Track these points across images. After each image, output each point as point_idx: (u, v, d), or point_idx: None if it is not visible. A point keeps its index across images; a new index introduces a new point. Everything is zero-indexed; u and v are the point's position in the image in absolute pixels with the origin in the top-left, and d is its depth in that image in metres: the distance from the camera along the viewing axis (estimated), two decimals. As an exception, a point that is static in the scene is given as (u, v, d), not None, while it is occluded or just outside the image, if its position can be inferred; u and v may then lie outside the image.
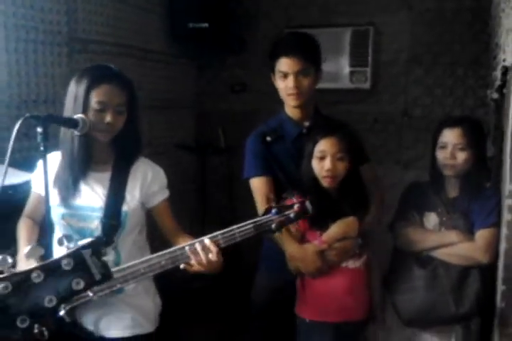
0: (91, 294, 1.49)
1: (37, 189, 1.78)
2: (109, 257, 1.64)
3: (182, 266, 1.54)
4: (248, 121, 3.71)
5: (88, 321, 1.67)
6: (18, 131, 1.45)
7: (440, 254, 2.02)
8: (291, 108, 2.10)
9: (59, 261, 0.95)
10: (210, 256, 1.52)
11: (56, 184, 1.67)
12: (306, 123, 2.09)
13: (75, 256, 0.96)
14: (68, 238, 1.02)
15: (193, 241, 1.54)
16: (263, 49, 3.67)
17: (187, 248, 1.52)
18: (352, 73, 3.62)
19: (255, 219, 1.58)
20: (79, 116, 1.59)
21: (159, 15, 3.50)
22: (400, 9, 3.51)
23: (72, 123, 1.56)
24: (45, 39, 2.62)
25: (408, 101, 3.61)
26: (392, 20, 3.52)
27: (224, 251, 1.57)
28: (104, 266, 0.96)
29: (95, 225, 1.65)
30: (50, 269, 0.93)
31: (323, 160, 1.90)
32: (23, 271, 0.91)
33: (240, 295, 3.47)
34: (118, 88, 1.66)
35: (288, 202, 1.70)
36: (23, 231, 1.78)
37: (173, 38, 3.57)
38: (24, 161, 2.09)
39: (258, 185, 2.05)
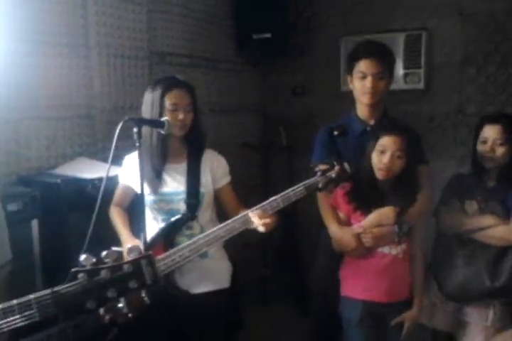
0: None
1: (124, 181, 2.17)
2: (196, 229, 2.06)
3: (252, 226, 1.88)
4: (307, 122, 4.02)
5: (182, 282, 2.07)
6: (119, 131, 1.83)
7: (479, 236, 2.22)
8: (362, 107, 2.34)
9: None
10: (268, 220, 1.84)
11: (144, 177, 2.06)
12: (372, 122, 2.35)
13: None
14: None
15: (257, 207, 1.88)
16: (321, 55, 4.01)
17: (251, 213, 1.86)
18: (406, 75, 3.83)
19: (305, 182, 1.93)
20: (165, 118, 1.97)
21: (226, 29, 3.86)
22: (451, 14, 3.69)
23: (159, 124, 1.94)
24: (130, 54, 3.04)
25: (462, 99, 3.78)
26: (443, 25, 3.70)
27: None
28: (155, 274, 1.16)
29: (180, 206, 2.04)
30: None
31: (383, 154, 2.10)
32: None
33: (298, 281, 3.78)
34: (185, 92, 2.06)
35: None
36: (118, 218, 2.19)
37: (239, 48, 3.92)
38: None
39: None
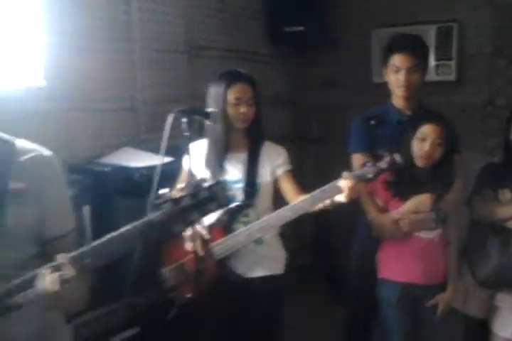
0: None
1: (186, 167, 2.28)
2: (252, 216, 2.17)
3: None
4: (338, 114, 4.09)
5: (237, 266, 2.18)
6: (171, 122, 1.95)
7: None
8: (397, 98, 2.42)
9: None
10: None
11: (207, 165, 2.20)
12: (408, 112, 2.43)
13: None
14: None
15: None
16: (353, 47, 4.06)
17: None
18: (437, 66, 3.88)
19: (355, 172, 2.00)
20: (211, 109, 2.08)
21: (260, 22, 3.95)
22: (483, 5, 3.72)
23: (206, 115, 2.05)
24: (170, 48, 3.16)
25: (492, 91, 3.81)
26: (474, 16, 3.74)
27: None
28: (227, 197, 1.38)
29: (238, 194, 2.15)
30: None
31: (424, 142, 2.19)
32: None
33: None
34: (248, 85, 2.16)
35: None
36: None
37: (273, 41, 4.00)
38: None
39: (355, 160, 2.43)
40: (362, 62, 4.01)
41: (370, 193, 2.31)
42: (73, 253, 1.28)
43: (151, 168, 2.50)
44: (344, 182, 1.96)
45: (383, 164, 1.99)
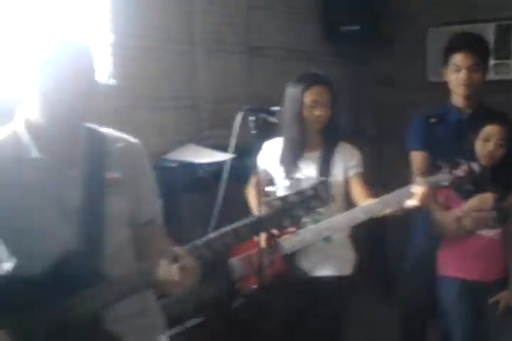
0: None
1: (262, 165, 2.37)
2: (323, 215, 2.16)
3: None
4: (394, 112, 4.09)
5: (303, 264, 2.24)
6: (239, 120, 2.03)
7: None
8: (458, 97, 2.44)
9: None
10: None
11: (282, 162, 2.27)
12: (468, 111, 2.44)
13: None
14: None
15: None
16: (409, 46, 4.06)
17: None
18: (496, 65, 3.83)
19: (429, 178, 2.05)
20: (276, 108, 2.14)
21: (317, 22, 3.99)
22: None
23: (272, 113, 2.12)
24: (230, 48, 3.24)
25: (553, 89, 3.75)
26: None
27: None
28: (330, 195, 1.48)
29: None
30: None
31: (487, 142, 2.22)
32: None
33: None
34: (325, 88, 2.23)
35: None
36: (253, 199, 2.40)
37: (329, 41, 4.04)
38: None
39: (414, 158, 2.46)
40: (417, 60, 4.00)
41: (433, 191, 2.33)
42: (189, 246, 1.37)
43: (214, 164, 2.62)
44: (418, 189, 2.01)
45: (460, 172, 2.02)
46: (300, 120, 2.23)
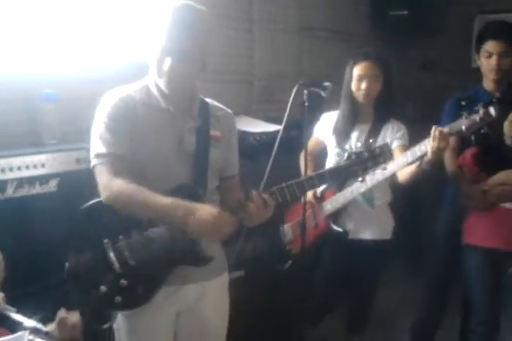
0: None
1: (317, 133, 2.60)
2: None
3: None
4: (436, 96, 4.22)
5: (348, 226, 2.47)
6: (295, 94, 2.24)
7: None
8: (488, 81, 2.60)
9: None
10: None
11: (334, 132, 2.50)
12: (497, 94, 2.60)
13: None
14: None
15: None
16: (454, 32, 4.17)
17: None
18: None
19: (450, 124, 2.20)
20: (327, 83, 2.34)
21: (367, 6, 4.16)
22: None
23: (323, 88, 2.32)
24: (283, 28, 3.45)
25: None
26: None
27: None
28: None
29: None
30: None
31: None
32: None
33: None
34: (372, 64, 2.40)
35: None
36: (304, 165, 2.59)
37: (375, 24, 4.20)
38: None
39: None
40: (462, 47, 4.11)
41: (461, 166, 2.52)
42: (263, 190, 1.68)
43: (264, 134, 2.86)
44: (434, 128, 2.15)
45: (477, 116, 2.13)
46: (349, 93, 2.44)
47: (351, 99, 2.45)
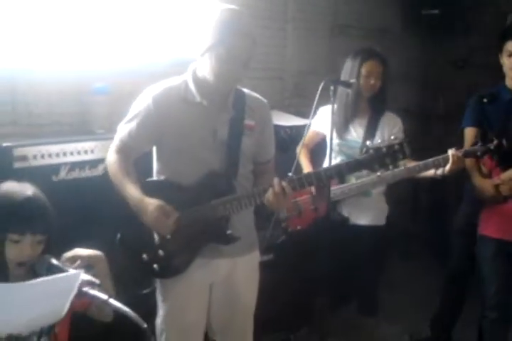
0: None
1: (315, 127, 2.76)
2: (364, 172, 2.50)
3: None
4: (467, 93, 4.30)
5: (345, 212, 2.66)
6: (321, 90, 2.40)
7: None
8: (510, 79, 2.72)
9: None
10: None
11: (334, 125, 2.60)
12: None
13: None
14: None
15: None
16: (487, 30, 4.23)
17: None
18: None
19: (464, 149, 2.43)
20: (352, 81, 2.52)
21: (397, 4, 4.26)
22: None
23: (348, 85, 2.49)
24: (316, 27, 3.62)
25: None
26: None
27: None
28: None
29: (357, 152, 2.56)
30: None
31: None
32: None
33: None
34: (379, 62, 2.59)
35: None
36: (303, 157, 2.79)
37: (408, 23, 4.31)
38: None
39: (467, 133, 2.78)
40: (494, 45, 4.17)
41: (477, 161, 2.64)
42: (289, 178, 1.86)
43: (294, 128, 3.04)
44: (453, 152, 2.39)
45: (491, 146, 2.39)
46: (356, 87, 2.59)
47: (356, 92, 2.61)
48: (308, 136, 2.78)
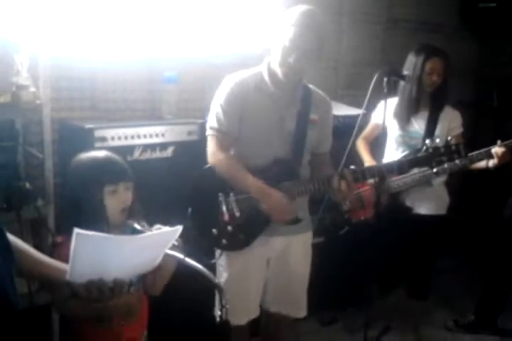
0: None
1: (375, 120, 2.89)
2: None
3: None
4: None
5: (408, 202, 2.77)
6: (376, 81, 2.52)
7: None
8: None
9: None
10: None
11: (396, 116, 2.79)
12: None
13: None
14: None
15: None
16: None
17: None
18: None
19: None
20: (406, 73, 2.63)
21: (453, -3, 4.31)
22: None
23: (402, 77, 2.61)
24: (371, 20, 3.72)
25: None
26: None
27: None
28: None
29: (419, 142, 2.66)
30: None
31: None
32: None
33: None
34: (442, 59, 2.70)
35: None
36: (362, 147, 2.94)
37: (464, 16, 4.34)
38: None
39: None
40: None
41: None
42: (350, 170, 2.02)
43: (347, 117, 3.17)
44: (497, 149, 2.51)
45: None
46: (419, 83, 2.70)
47: (419, 87, 2.71)
48: (368, 128, 2.93)
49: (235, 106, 2.07)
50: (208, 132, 2.13)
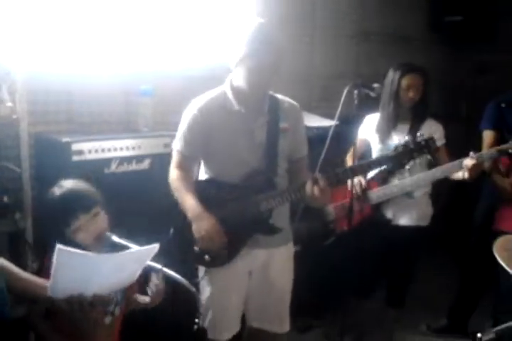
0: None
1: (362, 135, 2.93)
2: (406, 174, 2.73)
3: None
4: (489, 98, 4.41)
5: (388, 213, 2.82)
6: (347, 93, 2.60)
7: None
8: None
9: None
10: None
11: (377, 131, 2.85)
12: None
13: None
14: None
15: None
16: (509, 38, 4.35)
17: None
18: None
19: (482, 152, 2.61)
20: (376, 85, 2.70)
21: (420, 11, 4.43)
22: None
23: (372, 89, 2.67)
24: (342, 33, 3.83)
25: None
26: None
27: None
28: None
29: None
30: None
31: None
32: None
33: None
34: (419, 75, 2.76)
35: None
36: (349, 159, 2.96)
37: (432, 29, 4.47)
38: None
39: (485, 136, 2.97)
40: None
41: (496, 160, 2.81)
42: (323, 174, 2.03)
43: (320, 128, 3.24)
44: (468, 161, 2.54)
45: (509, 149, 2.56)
46: (396, 99, 2.77)
47: (397, 103, 2.78)
48: (358, 143, 2.94)
49: (196, 132, 2.11)
50: (173, 150, 2.18)
